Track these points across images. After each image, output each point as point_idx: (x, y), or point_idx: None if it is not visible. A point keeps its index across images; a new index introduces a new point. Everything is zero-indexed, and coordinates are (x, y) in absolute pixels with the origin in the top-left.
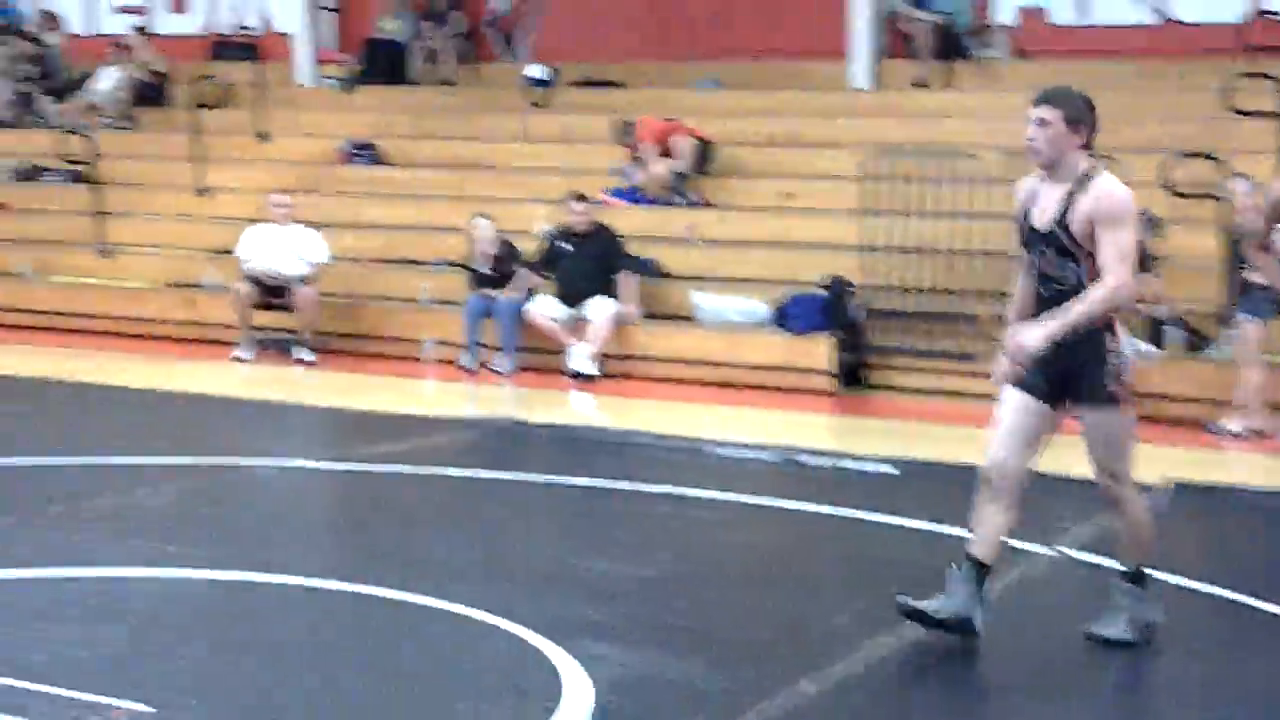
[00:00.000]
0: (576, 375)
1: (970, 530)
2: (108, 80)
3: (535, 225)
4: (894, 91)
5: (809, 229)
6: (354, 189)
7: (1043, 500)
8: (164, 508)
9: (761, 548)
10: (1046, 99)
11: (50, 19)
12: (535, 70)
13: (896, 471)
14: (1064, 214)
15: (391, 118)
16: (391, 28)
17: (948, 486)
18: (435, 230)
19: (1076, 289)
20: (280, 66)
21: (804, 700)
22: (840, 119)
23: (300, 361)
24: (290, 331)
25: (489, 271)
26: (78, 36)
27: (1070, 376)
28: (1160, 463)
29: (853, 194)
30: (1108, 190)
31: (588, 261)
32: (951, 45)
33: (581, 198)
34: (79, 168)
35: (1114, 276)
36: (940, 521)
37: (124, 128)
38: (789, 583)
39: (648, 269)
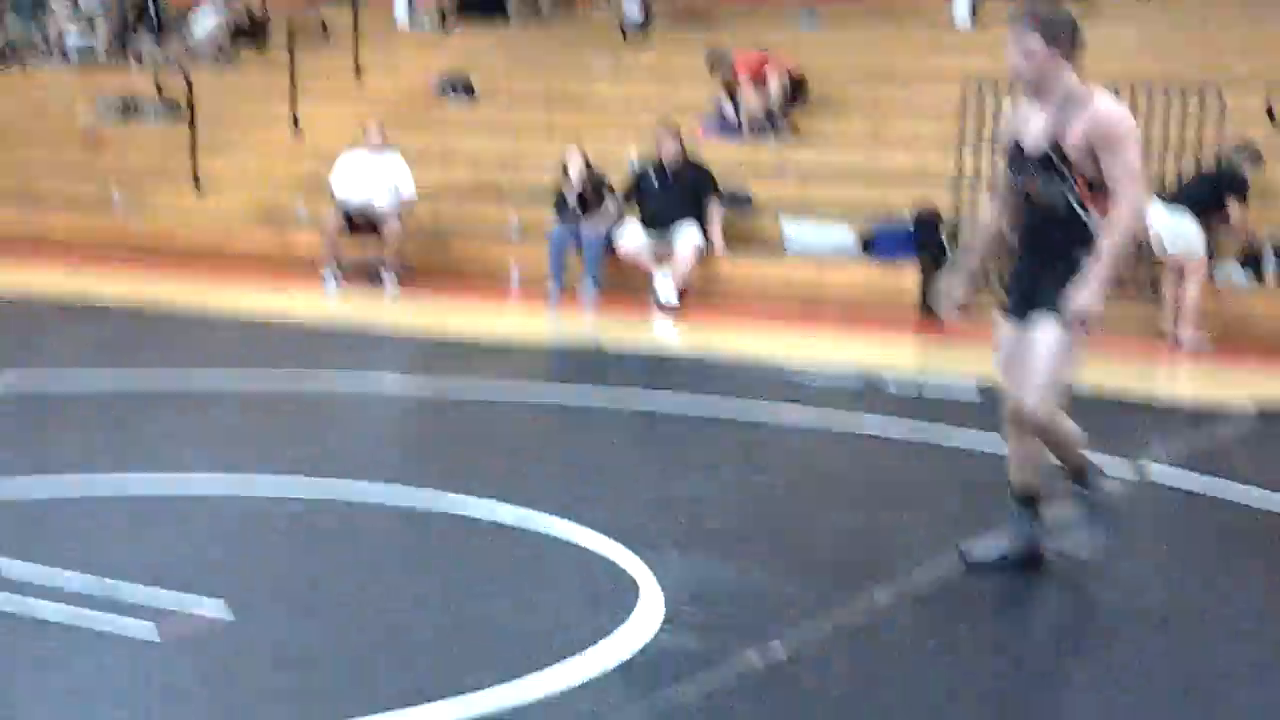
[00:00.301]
0: (661, 304)
1: (1008, 470)
2: (207, 19)
3: (626, 158)
4: (995, 30)
5: (900, 161)
6: (447, 123)
7: (1122, 421)
8: (256, 428)
9: (841, 467)
10: (1024, 22)
11: None
12: (630, 8)
13: (978, 395)
14: (1056, 134)
15: (486, 54)
16: None
17: None
18: (526, 165)
19: (1066, 214)
20: (379, 9)
21: (877, 609)
22: (938, 54)
23: (390, 290)
24: (378, 260)
25: (577, 200)
26: None
27: (1038, 286)
28: (1255, 388)
29: (946, 130)
30: (1105, 111)
31: (676, 193)
32: None
33: (672, 130)
34: (175, 104)
35: (1129, 198)
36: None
37: (222, 66)
38: (866, 500)
39: (739, 201)
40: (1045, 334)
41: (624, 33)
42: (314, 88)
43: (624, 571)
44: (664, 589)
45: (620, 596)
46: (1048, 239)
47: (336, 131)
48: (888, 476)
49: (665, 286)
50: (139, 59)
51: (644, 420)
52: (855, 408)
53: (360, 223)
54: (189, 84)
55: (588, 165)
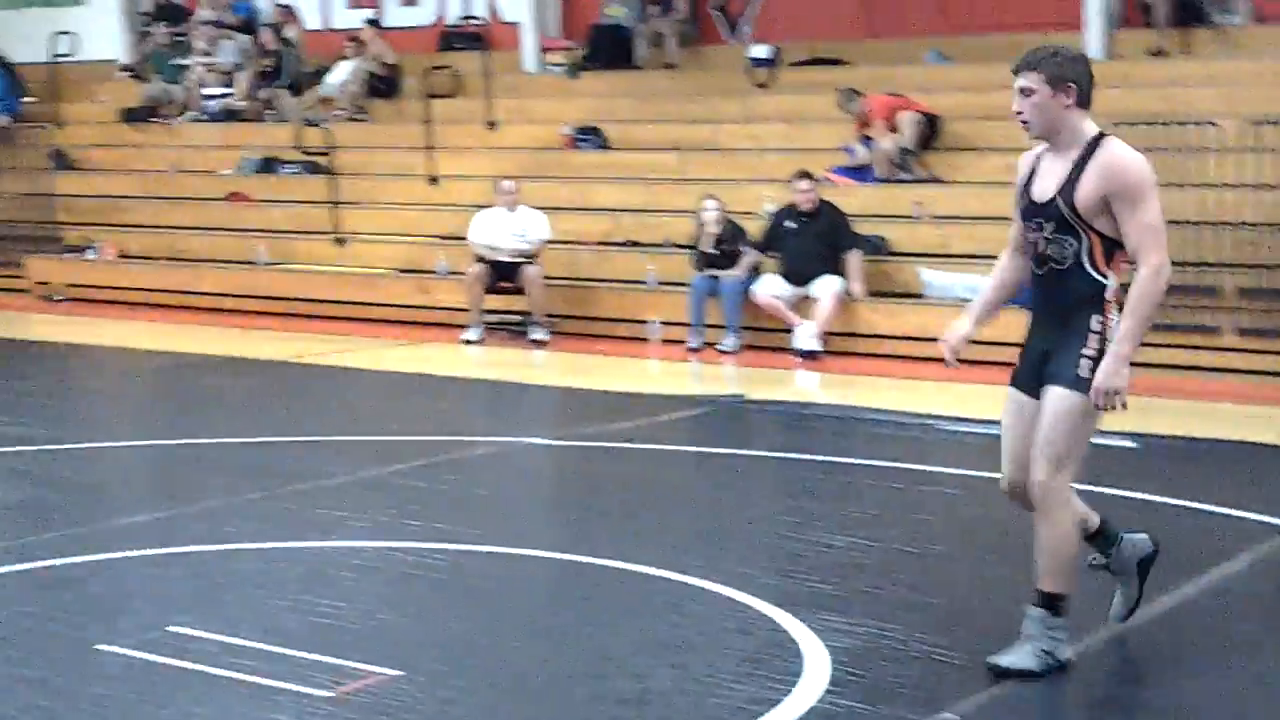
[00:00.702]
0: (802, 353)
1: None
2: (341, 73)
3: (760, 205)
4: (1128, 61)
5: None
6: (580, 173)
7: (1272, 473)
8: (404, 484)
9: (993, 521)
10: (1025, 63)
11: (287, 14)
12: (758, 50)
13: (1135, 445)
14: (1067, 184)
15: (616, 102)
16: (616, 13)
17: (1187, 461)
18: (660, 212)
19: (1076, 269)
20: (507, 55)
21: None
22: None
23: (534, 342)
24: (520, 313)
25: (714, 252)
26: (313, 31)
27: (1049, 353)
28: None
29: None
30: (1120, 161)
31: (813, 240)
32: (1190, 12)
33: (807, 176)
34: (315, 159)
35: (1153, 258)
36: (1178, 496)
37: (358, 119)
38: (1023, 556)
39: (874, 246)
40: (1057, 404)
41: (751, 71)
42: (448, 138)
43: (785, 633)
44: (828, 651)
45: (783, 660)
46: (1058, 301)
47: (471, 186)
48: None
49: (805, 335)
50: (278, 114)
51: (791, 473)
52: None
53: (501, 277)
54: (328, 138)
55: (723, 214)
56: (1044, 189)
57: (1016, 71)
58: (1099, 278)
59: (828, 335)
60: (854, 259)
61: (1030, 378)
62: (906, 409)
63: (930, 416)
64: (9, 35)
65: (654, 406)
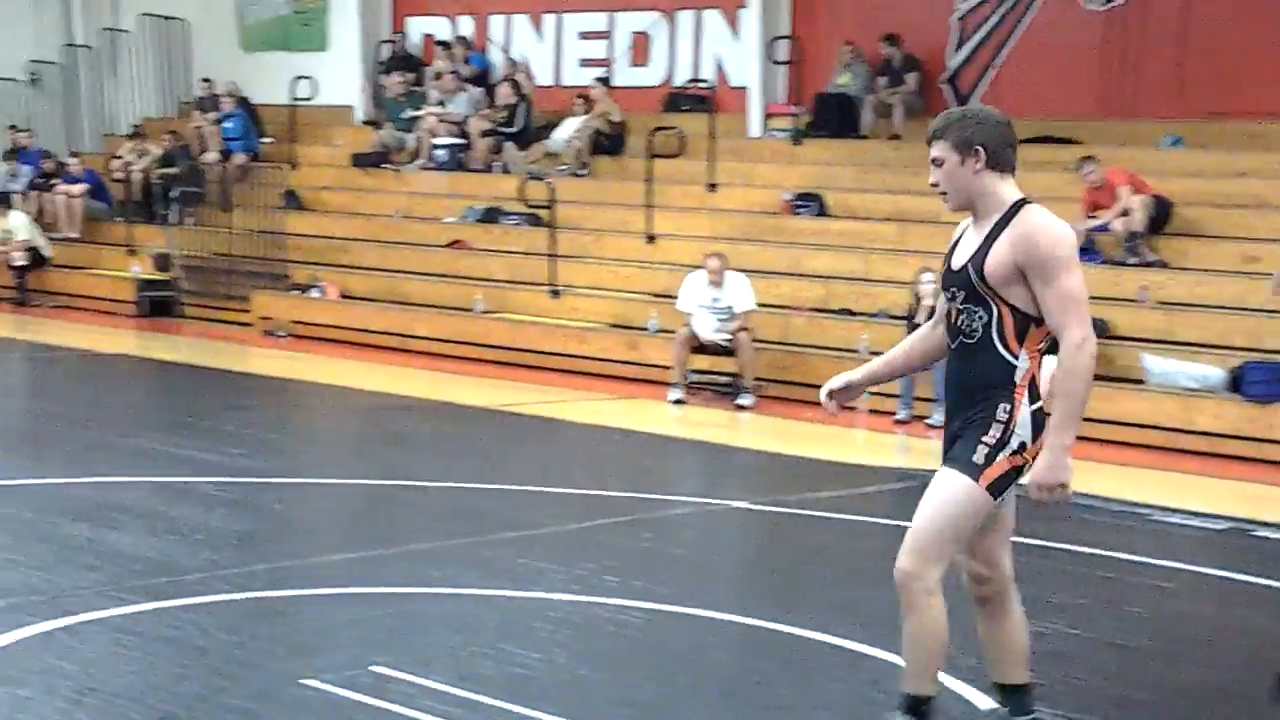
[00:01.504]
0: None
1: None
2: (569, 129)
3: None
4: None
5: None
6: (797, 239)
7: None
8: (604, 539)
9: (1204, 618)
10: (933, 131)
11: (520, 69)
12: None
13: None
14: (978, 252)
15: (837, 170)
16: (845, 82)
17: None
18: (876, 282)
19: (986, 344)
20: (732, 118)
21: None
22: None
23: (740, 406)
24: (728, 374)
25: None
26: (543, 87)
27: (956, 437)
28: None
29: None
30: (1032, 229)
31: None
32: None
33: None
34: (537, 211)
35: (1075, 331)
36: None
37: (581, 175)
38: (1234, 656)
39: (1096, 329)
40: (941, 488)
41: None
42: (668, 198)
43: (980, 715)
44: None
45: None
46: (968, 380)
47: (689, 244)
48: (1260, 630)
49: None
50: (504, 166)
51: None
52: (1223, 557)
53: (709, 341)
54: (551, 191)
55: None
56: (960, 257)
57: (928, 141)
58: (1009, 358)
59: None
60: None
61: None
62: (1120, 496)
63: (1145, 506)
64: (253, 77)
65: (858, 477)
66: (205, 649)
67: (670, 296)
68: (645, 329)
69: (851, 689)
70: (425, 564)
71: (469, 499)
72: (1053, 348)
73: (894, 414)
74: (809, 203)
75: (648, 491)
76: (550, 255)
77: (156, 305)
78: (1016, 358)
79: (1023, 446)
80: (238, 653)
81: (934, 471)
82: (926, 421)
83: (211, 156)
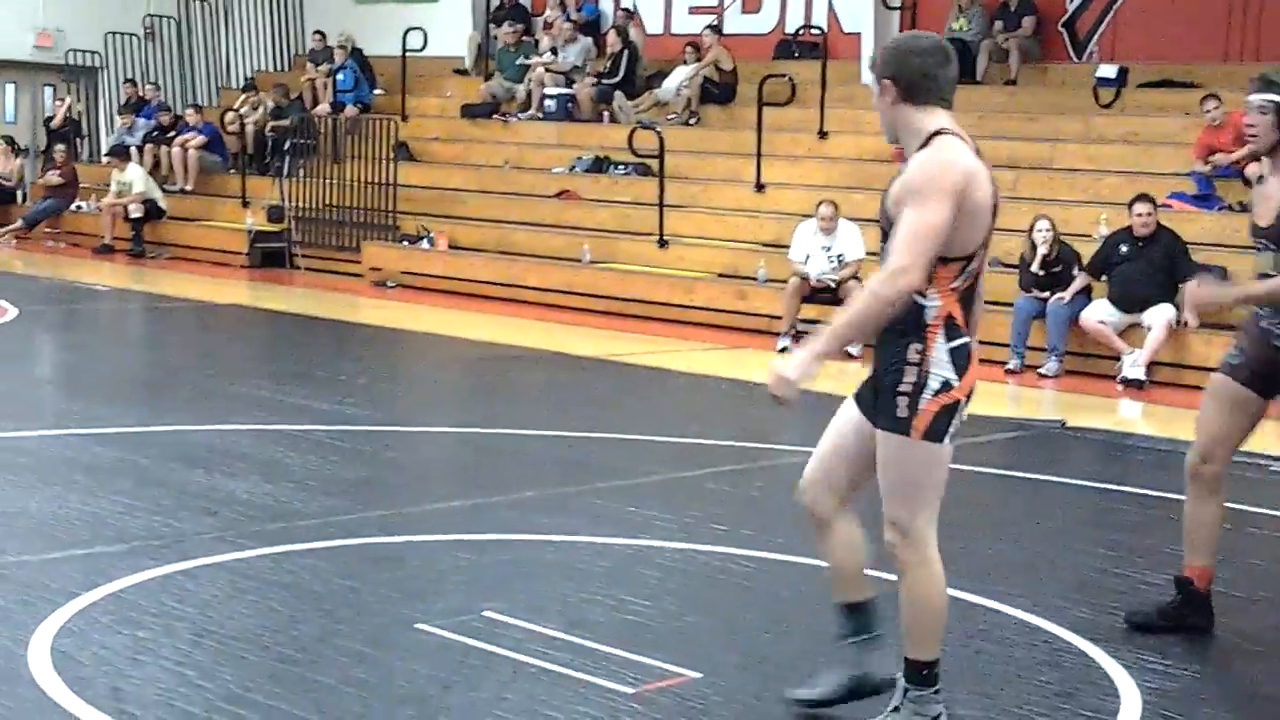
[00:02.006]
0: (1126, 382)
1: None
2: (679, 78)
3: (1096, 228)
4: None
5: None
6: None
7: None
8: (713, 488)
9: None
10: (870, 66)
11: (631, 17)
12: (1105, 70)
13: None
14: (887, 189)
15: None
16: (960, 27)
17: None
18: None
19: None
20: (844, 65)
21: None
22: None
23: (849, 355)
24: None
25: (1042, 273)
26: (653, 35)
27: (876, 387)
28: None
29: None
30: (918, 160)
31: (1147, 267)
32: None
33: (1146, 200)
34: (645, 161)
35: (894, 260)
36: None
37: (690, 124)
38: None
39: (1215, 278)
40: (883, 453)
41: (1096, 93)
42: (778, 146)
43: (1099, 669)
44: (1141, 692)
45: (1097, 698)
46: (886, 321)
47: (799, 192)
48: None
49: (1132, 364)
50: (613, 116)
51: (1108, 504)
52: None
53: (820, 290)
54: (660, 141)
55: (1056, 235)
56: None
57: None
58: (917, 298)
59: (1155, 365)
60: (1188, 287)
61: (865, 399)
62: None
63: (1262, 456)
64: (364, 29)
65: (970, 427)
66: (320, 593)
67: (779, 246)
68: (754, 279)
69: (961, 639)
70: (535, 511)
71: (578, 448)
72: (971, 291)
73: (1005, 363)
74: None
75: (756, 441)
76: (659, 205)
77: (269, 256)
78: (925, 297)
79: (946, 385)
80: (352, 597)
81: (1048, 422)
82: (1039, 370)
83: (324, 109)
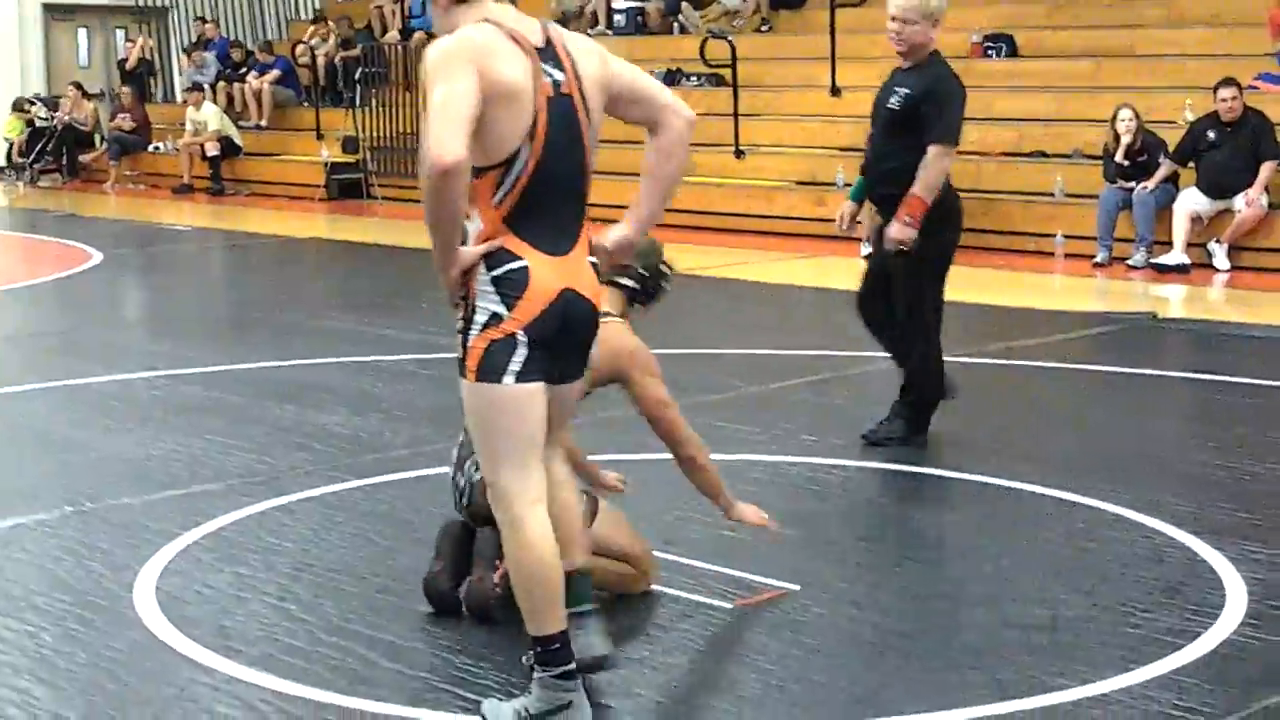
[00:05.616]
0: (1217, 269)
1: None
2: None
3: (1181, 114)
4: None
5: None
6: (986, 82)
7: None
8: (799, 399)
9: None
10: None
11: None
12: None
13: None
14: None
15: (1029, 8)
16: None
17: None
18: (1070, 122)
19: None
20: None
21: None
22: None
23: None
24: None
25: (1127, 163)
26: None
27: None
28: None
29: None
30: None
31: (1235, 151)
32: None
33: (1232, 83)
34: (718, 71)
35: (427, 143)
36: None
37: (762, 31)
38: None
39: None
40: (466, 404)
41: None
42: (851, 48)
43: (1203, 563)
44: (1245, 584)
45: (1201, 591)
46: None
47: (872, 98)
48: None
49: (1221, 252)
50: (682, 26)
51: (1205, 395)
52: None
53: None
54: (732, 50)
55: (1140, 124)
56: None
57: None
58: (465, 222)
59: (1245, 250)
60: (1266, 169)
61: None
62: None
63: None
64: None
65: (1059, 324)
66: (414, 523)
67: (857, 150)
68: (833, 184)
69: (1065, 539)
70: (621, 431)
71: (663, 364)
72: (522, 214)
73: (1092, 256)
74: (999, 44)
75: (840, 349)
76: (733, 115)
77: (345, 188)
78: (469, 219)
79: (495, 318)
80: (440, 521)
81: (1138, 314)
82: (1127, 262)
83: (393, 36)
